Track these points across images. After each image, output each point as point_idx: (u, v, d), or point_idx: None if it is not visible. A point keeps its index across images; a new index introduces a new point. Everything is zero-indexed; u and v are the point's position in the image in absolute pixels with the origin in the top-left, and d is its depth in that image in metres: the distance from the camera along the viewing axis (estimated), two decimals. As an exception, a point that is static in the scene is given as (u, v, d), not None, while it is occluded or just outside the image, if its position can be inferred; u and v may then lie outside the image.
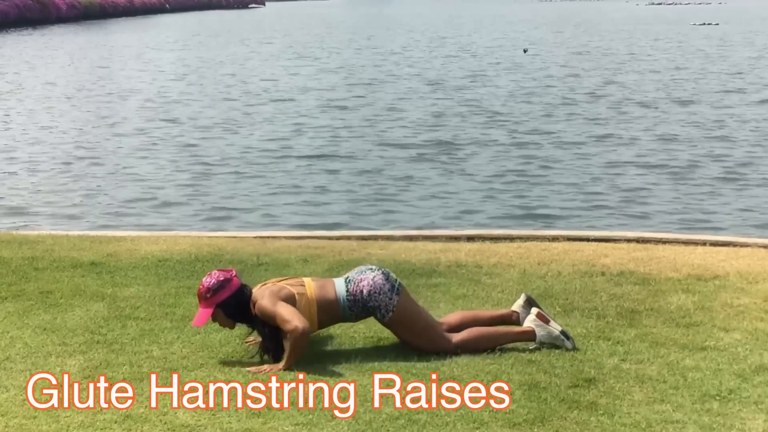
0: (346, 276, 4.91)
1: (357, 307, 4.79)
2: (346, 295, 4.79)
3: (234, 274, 4.82)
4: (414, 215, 10.53)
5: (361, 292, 4.78)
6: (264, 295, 4.70)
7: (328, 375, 4.46)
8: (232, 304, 4.75)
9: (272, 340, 4.68)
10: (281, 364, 4.57)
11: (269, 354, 4.69)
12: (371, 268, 4.89)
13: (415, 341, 4.80)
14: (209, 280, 4.77)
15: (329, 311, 4.78)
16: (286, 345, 4.61)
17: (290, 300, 4.69)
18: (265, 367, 4.58)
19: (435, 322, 4.89)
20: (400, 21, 71.10)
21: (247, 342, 4.94)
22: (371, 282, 4.78)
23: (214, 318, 4.78)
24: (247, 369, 4.56)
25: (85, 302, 5.62)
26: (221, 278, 4.76)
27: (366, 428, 3.94)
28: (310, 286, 4.80)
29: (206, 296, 4.73)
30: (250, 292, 4.79)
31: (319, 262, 6.52)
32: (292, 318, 4.56)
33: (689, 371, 4.55)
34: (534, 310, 4.94)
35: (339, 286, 4.83)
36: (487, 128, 16.74)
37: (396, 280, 4.87)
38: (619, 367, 4.60)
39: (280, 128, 17.09)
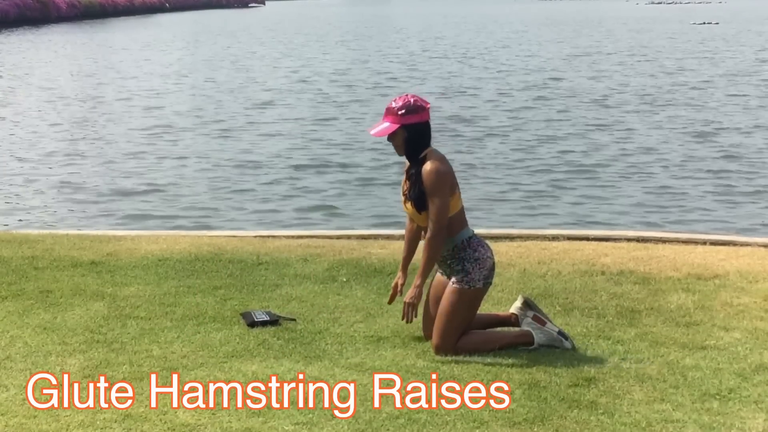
0: (475, 232, 4.92)
1: (459, 254, 4.80)
2: (466, 238, 4.82)
3: (429, 106, 4.83)
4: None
5: (474, 251, 4.80)
6: (441, 165, 4.69)
7: (328, 375, 4.46)
8: (418, 132, 4.75)
9: (417, 189, 4.73)
10: (417, 281, 4.70)
11: (411, 198, 4.76)
12: (492, 252, 4.92)
13: (444, 321, 4.77)
14: (406, 99, 4.76)
15: (452, 226, 4.78)
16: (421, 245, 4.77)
17: (455, 185, 4.76)
18: (408, 295, 4.73)
19: (462, 331, 4.84)
20: (414, 22, 70.98)
21: (390, 300, 5.05)
22: (485, 255, 4.83)
23: (392, 136, 4.76)
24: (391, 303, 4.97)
25: (85, 301, 5.62)
26: (419, 103, 4.76)
27: (366, 428, 3.94)
28: (461, 200, 4.84)
29: (398, 112, 4.72)
30: (430, 137, 4.81)
31: (319, 262, 6.52)
32: (442, 223, 4.66)
33: (689, 370, 4.55)
34: (530, 313, 4.94)
35: (468, 230, 4.87)
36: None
37: (493, 277, 4.90)
38: (619, 367, 4.60)
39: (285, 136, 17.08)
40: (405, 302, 4.78)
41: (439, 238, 4.71)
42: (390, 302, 5.11)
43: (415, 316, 4.80)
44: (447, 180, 4.71)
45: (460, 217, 4.84)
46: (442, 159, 4.78)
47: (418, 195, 4.74)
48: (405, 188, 4.87)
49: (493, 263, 4.90)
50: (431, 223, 4.71)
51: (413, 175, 4.78)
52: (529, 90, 22.55)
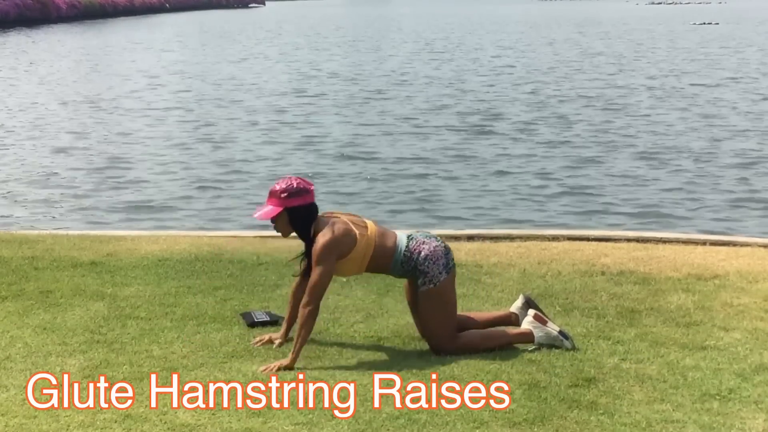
0: (409, 234, 4.91)
1: (408, 265, 4.79)
2: (404, 250, 4.80)
3: (312, 188, 4.83)
4: (413, 215, 10.54)
5: (419, 253, 4.78)
6: (327, 235, 4.68)
7: (328, 375, 4.46)
8: (301, 215, 4.75)
9: (309, 264, 4.74)
10: (288, 359, 4.58)
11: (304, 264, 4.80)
12: (436, 238, 4.90)
13: (429, 325, 4.78)
14: (289, 182, 4.76)
15: (382, 259, 4.79)
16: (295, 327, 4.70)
17: (351, 243, 4.71)
18: (274, 364, 4.57)
19: (455, 321, 4.85)
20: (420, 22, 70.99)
21: (254, 343, 4.93)
22: (432, 249, 4.79)
23: (276, 219, 4.77)
24: (261, 369, 4.54)
25: (85, 302, 5.62)
26: (302, 186, 4.77)
27: (366, 428, 3.94)
28: (372, 229, 4.81)
29: (280, 195, 4.73)
30: (317, 215, 4.80)
31: (319, 262, 6.51)
32: (318, 292, 4.64)
33: (689, 371, 4.55)
34: (531, 312, 4.94)
35: (400, 239, 4.84)
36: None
37: (452, 260, 4.87)
38: (619, 367, 4.60)
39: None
40: (278, 365, 4.54)
41: (314, 305, 4.63)
42: (255, 344, 4.90)
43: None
44: (333, 250, 4.66)
45: (383, 243, 4.78)
46: (330, 227, 4.72)
47: (309, 266, 4.76)
48: (302, 267, 4.89)
49: (445, 247, 4.86)
50: (309, 289, 4.65)
51: (309, 252, 4.78)
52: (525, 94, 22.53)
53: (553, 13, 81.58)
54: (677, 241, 7.46)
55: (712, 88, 22.81)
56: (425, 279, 4.78)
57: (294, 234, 4.83)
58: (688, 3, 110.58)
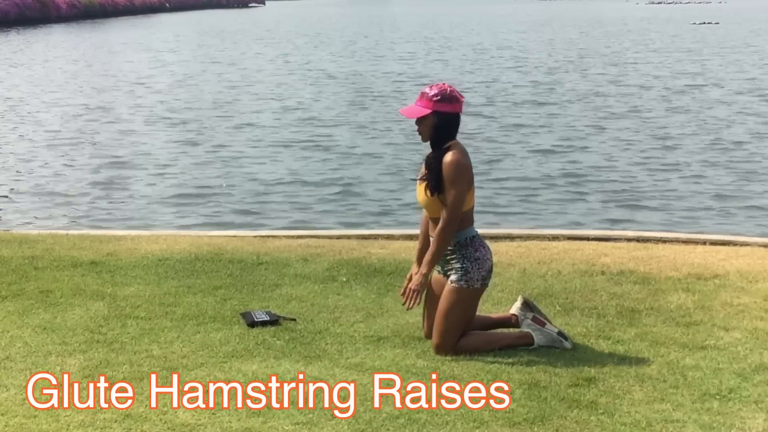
0: (478, 232, 4.93)
1: (460, 250, 4.80)
2: (469, 237, 4.82)
3: (463, 100, 4.83)
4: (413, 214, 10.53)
5: (475, 251, 4.81)
6: (460, 156, 4.70)
7: (328, 375, 4.46)
8: (447, 121, 4.76)
9: (436, 176, 4.72)
10: (424, 269, 4.71)
11: (429, 184, 4.74)
12: (492, 254, 4.93)
13: (444, 319, 4.77)
14: (443, 87, 4.77)
15: (461, 224, 4.78)
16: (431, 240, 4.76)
17: (470, 184, 4.75)
18: (413, 282, 4.73)
19: (462, 329, 4.84)
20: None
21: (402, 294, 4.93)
22: (484, 256, 4.83)
23: (421, 120, 4.77)
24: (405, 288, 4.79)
25: (85, 301, 5.62)
26: (454, 93, 4.77)
27: (366, 428, 3.94)
28: (473, 198, 4.85)
29: (433, 98, 4.73)
30: (458, 128, 4.81)
31: (319, 261, 6.52)
32: (455, 214, 4.68)
33: (689, 370, 4.55)
34: (529, 315, 4.95)
35: (473, 228, 4.87)
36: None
37: (490, 278, 4.90)
38: (619, 367, 4.60)
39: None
40: (409, 288, 4.78)
41: (450, 229, 4.72)
42: (403, 293, 4.96)
43: (418, 304, 4.79)
44: (467, 173, 4.72)
45: (470, 215, 4.85)
46: (464, 153, 4.78)
47: (436, 182, 4.74)
48: (423, 174, 4.86)
49: (492, 265, 4.90)
50: (446, 212, 4.70)
51: (433, 162, 4.77)
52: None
53: (568, 14, 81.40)
54: (677, 241, 7.46)
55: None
56: (463, 276, 4.79)
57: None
58: (688, 3, 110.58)
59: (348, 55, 35.35)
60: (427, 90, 4.79)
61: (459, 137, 4.84)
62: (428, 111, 4.74)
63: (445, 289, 4.83)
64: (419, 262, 5.00)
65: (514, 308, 5.05)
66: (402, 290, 4.99)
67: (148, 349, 4.83)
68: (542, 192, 11.60)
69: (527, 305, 5.02)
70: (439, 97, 4.73)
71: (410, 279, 4.98)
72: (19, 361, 4.66)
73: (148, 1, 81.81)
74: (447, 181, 4.69)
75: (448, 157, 4.71)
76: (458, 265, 4.80)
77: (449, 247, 4.82)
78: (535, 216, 10.45)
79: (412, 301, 4.77)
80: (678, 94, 21.40)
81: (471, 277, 4.79)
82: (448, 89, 4.77)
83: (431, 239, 4.80)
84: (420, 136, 4.86)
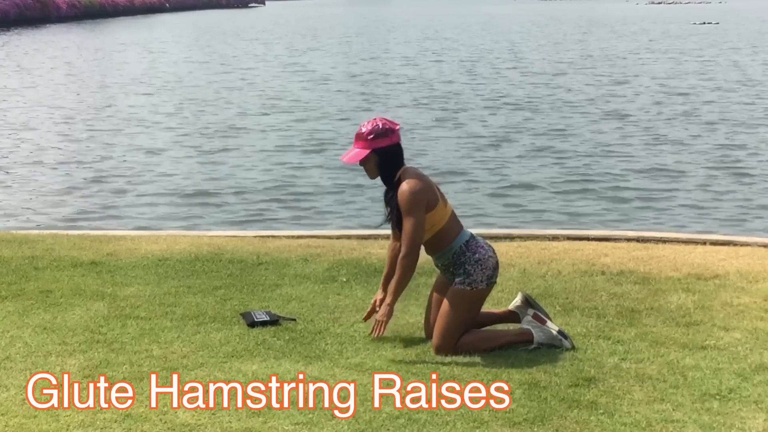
0: (472, 233, 4.93)
1: (459, 259, 4.80)
2: (463, 243, 4.82)
3: (398, 128, 4.83)
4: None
5: (474, 253, 4.81)
6: (415, 183, 4.69)
7: (328, 375, 4.46)
8: (388, 155, 4.76)
9: (396, 212, 4.74)
10: (388, 299, 4.71)
11: (391, 221, 4.79)
12: (493, 249, 4.93)
13: (446, 320, 4.77)
14: (375, 123, 4.77)
15: (440, 242, 4.80)
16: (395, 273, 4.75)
17: (434, 200, 4.74)
18: (380, 312, 4.71)
19: (463, 330, 4.84)
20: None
21: (365, 318, 5.04)
22: (486, 256, 4.83)
23: (364, 161, 4.78)
24: (368, 320, 4.90)
25: (85, 301, 5.62)
26: (387, 126, 4.77)
27: (366, 428, 3.94)
28: (449, 206, 4.85)
29: (367, 137, 4.74)
30: (403, 156, 4.81)
31: (319, 262, 6.52)
32: (415, 243, 4.67)
33: (689, 370, 4.55)
34: (530, 311, 4.95)
35: (465, 232, 4.87)
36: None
37: (496, 277, 4.90)
38: (619, 367, 4.60)
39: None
40: (376, 319, 4.78)
41: (412, 257, 4.70)
42: (366, 319, 5.09)
43: (383, 334, 4.77)
44: (422, 198, 4.69)
45: (451, 226, 4.84)
46: (418, 176, 4.78)
47: (398, 217, 4.76)
48: (387, 213, 4.90)
49: (496, 262, 4.89)
50: (405, 241, 4.70)
51: (391, 199, 4.80)
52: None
53: (571, 14, 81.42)
54: (677, 241, 7.46)
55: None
56: (466, 278, 4.79)
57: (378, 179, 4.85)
58: (688, 3, 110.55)
59: (354, 55, 35.35)
60: (361, 129, 4.78)
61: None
62: (368, 151, 4.74)
63: (449, 291, 4.84)
64: (384, 288, 5.01)
65: (513, 304, 5.06)
66: (366, 313, 5.08)
67: (148, 349, 4.83)
68: (542, 192, 11.60)
69: (527, 302, 5.02)
70: (373, 135, 4.73)
71: (374, 304, 5.02)
72: (19, 361, 4.66)
73: (148, 1, 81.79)
74: (403, 212, 4.70)
75: (402, 187, 4.71)
76: (460, 271, 4.81)
77: (447, 260, 4.84)
78: (535, 216, 10.45)
79: (376, 333, 4.76)
80: (678, 95, 21.41)
81: (474, 279, 4.79)
82: (380, 123, 4.76)
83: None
84: (368, 175, 4.87)
